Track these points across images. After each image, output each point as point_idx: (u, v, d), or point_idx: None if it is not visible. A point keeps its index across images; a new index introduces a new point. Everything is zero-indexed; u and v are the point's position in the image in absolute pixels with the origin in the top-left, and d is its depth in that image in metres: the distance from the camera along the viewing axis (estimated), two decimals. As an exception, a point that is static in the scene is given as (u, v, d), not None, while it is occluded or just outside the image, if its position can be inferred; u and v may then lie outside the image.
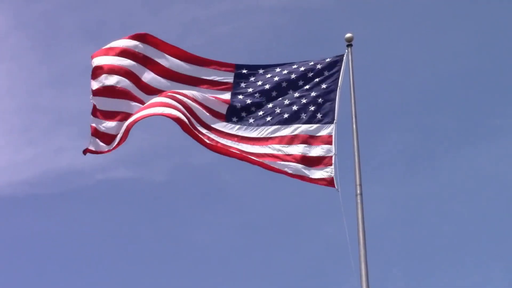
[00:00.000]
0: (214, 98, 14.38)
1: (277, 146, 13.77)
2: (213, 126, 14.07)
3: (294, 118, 14.03)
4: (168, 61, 14.75)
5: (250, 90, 14.49)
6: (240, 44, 34.19)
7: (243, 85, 14.53)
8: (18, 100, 33.61)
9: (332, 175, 13.23)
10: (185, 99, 13.96)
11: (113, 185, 31.36)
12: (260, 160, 13.61)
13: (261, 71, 14.63)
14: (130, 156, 29.21)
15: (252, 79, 14.56)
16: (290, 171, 13.53)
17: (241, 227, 29.83)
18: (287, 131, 13.93)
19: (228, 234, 29.89)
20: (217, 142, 13.85)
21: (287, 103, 14.23)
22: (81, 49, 33.74)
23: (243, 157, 13.65)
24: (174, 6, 34.77)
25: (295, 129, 13.90)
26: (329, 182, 13.26)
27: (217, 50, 33.63)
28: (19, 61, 34.08)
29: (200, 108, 14.14)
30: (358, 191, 12.66)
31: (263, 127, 14.07)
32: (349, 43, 14.34)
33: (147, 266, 29.79)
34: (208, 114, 14.20)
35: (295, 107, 14.13)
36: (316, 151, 13.58)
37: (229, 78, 14.55)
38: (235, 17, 34.17)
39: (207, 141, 13.75)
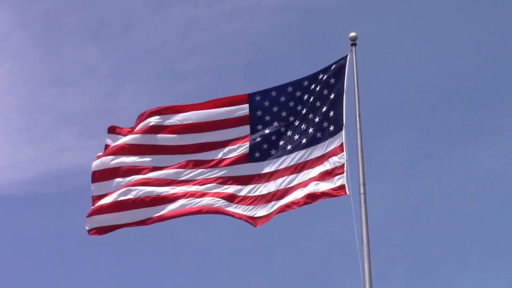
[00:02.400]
0: (233, 143, 14.32)
1: (296, 176, 13.79)
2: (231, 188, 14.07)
3: (312, 141, 13.97)
4: (177, 118, 14.55)
5: (267, 118, 14.40)
6: (242, 44, 34.24)
7: (259, 113, 14.43)
8: (20, 99, 33.67)
9: (344, 182, 13.18)
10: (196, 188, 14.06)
11: (115, 185, 31.26)
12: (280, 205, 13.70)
13: (273, 93, 14.48)
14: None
15: (266, 104, 14.43)
16: (307, 199, 13.52)
17: (243, 226, 29.75)
18: (306, 156, 13.90)
19: (232, 233, 29.88)
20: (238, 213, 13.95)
21: (304, 127, 14.17)
22: (83, 49, 33.82)
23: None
24: (176, 6, 34.80)
25: (314, 152, 13.86)
26: (341, 190, 13.17)
27: (219, 49, 33.67)
28: (21, 60, 34.14)
29: (220, 168, 14.18)
30: (362, 190, 12.69)
31: (285, 157, 14.05)
32: (353, 42, 14.28)
33: (148, 266, 29.79)
34: (228, 166, 14.20)
35: (311, 130, 14.07)
36: (330, 163, 13.53)
37: (244, 110, 14.45)
38: (237, 16, 34.18)
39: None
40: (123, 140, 14.56)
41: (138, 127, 14.59)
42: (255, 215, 13.87)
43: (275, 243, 29.10)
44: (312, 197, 13.46)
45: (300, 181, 13.69)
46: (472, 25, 33.28)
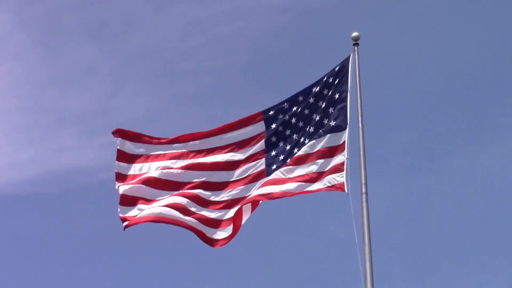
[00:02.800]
0: (250, 161, 14.32)
1: (297, 170, 13.77)
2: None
3: (314, 139, 13.96)
4: (193, 144, 14.57)
5: (281, 128, 14.42)
6: (242, 44, 34.24)
7: (274, 126, 14.46)
8: (20, 99, 33.68)
9: (343, 180, 13.17)
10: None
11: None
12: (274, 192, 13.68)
13: (286, 105, 14.52)
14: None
15: (280, 117, 14.47)
16: (305, 189, 13.53)
17: (244, 225, 29.72)
18: (307, 151, 13.89)
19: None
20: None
21: (312, 130, 14.17)
22: (83, 49, 33.83)
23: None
24: (176, 6, 34.80)
25: (313, 147, 13.84)
26: (340, 187, 13.15)
27: (219, 49, 33.66)
28: (21, 60, 34.14)
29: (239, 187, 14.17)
30: (364, 190, 12.65)
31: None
32: (356, 42, 14.26)
33: (149, 265, 29.78)
34: (246, 185, 14.17)
35: (319, 131, 14.05)
36: (331, 161, 13.50)
37: (261, 127, 14.50)
38: (238, 16, 34.19)
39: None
40: (142, 169, 14.46)
41: (152, 153, 14.50)
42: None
43: (276, 242, 29.13)
44: (316, 190, 13.48)
45: (305, 172, 13.69)
46: (473, 25, 33.31)
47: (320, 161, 13.61)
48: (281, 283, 28.00)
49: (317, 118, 14.14)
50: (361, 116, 13.48)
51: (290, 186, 13.63)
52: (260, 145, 14.40)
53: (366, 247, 12.13)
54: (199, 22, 34.23)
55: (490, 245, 28.51)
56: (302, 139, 14.19)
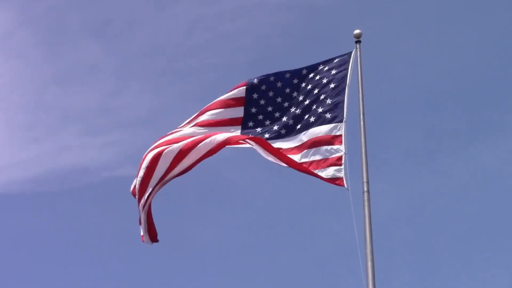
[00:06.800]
0: (226, 123, 14.32)
1: (290, 156, 13.70)
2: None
3: (305, 126, 14.00)
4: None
5: (262, 102, 14.48)
6: (245, 42, 34.21)
7: (255, 96, 14.49)
8: (23, 97, 33.69)
9: (342, 174, 13.12)
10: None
11: (118, 183, 31.26)
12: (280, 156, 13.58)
13: (271, 78, 14.57)
14: (136, 154, 29.14)
15: (263, 88, 14.51)
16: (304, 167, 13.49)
17: (246, 226, 29.80)
18: (299, 139, 13.89)
19: (233, 232, 29.87)
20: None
21: (299, 112, 14.23)
22: (86, 47, 33.83)
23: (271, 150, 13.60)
24: (179, 4, 34.81)
25: (306, 135, 13.85)
26: (339, 181, 13.13)
27: (223, 47, 33.65)
28: (24, 58, 34.15)
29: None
30: (365, 189, 12.62)
31: (276, 140, 14.01)
32: (358, 39, 14.30)
33: (151, 264, 29.76)
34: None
35: (306, 116, 14.11)
36: (326, 152, 13.49)
37: (241, 92, 14.51)
38: (241, 14, 34.18)
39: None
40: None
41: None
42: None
43: (280, 241, 29.12)
44: (315, 175, 13.38)
45: (300, 160, 13.62)
46: (476, 23, 33.26)
47: (315, 149, 13.60)
48: (282, 283, 27.97)
49: (311, 105, 14.17)
50: (363, 114, 13.47)
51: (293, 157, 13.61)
52: (238, 111, 14.41)
53: (368, 245, 12.10)
54: (203, 20, 34.26)
55: (492, 245, 28.47)
56: (291, 122, 14.20)
